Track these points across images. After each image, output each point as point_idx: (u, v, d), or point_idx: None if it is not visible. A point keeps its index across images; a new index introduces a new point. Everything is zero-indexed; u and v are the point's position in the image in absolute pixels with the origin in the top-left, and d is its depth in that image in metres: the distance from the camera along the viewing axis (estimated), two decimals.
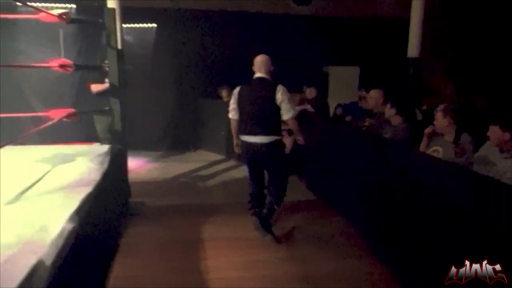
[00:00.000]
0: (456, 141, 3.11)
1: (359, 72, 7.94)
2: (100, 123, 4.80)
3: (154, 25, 6.91)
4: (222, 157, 6.85)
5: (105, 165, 3.17)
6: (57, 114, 3.39)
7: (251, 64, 3.59)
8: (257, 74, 3.51)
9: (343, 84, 7.84)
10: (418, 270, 2.65)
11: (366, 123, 4.82)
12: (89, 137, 4.62)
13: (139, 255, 3.20)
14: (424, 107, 5.23)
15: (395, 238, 3.00)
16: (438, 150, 3.46)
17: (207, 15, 7.14)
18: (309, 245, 3.47)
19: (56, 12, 3.21)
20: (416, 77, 4.49)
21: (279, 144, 3.53)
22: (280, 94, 3.37)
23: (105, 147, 3.59)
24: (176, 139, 7.20)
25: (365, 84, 6.54)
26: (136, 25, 6.83)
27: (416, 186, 2.78)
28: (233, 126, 3.67)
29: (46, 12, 3.21)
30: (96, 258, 2.69)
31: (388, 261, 3.04)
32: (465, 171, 2.70)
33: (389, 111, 4.11)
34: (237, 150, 3.74)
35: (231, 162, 6.36)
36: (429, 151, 3.49)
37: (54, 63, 3.25)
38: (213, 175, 5.75)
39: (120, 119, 3.87)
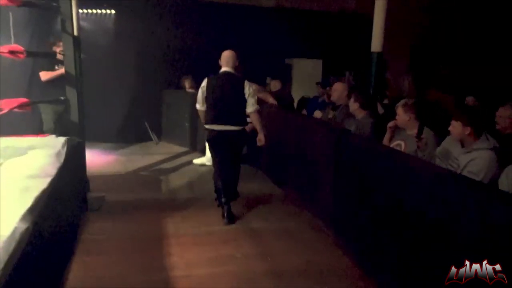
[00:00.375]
0: (419, 135, 3.17)
1: (322, 65, 8.05)
2: (47, 113, 4.53)
3: (113, 11, 6.59)
4: (186, 149, 6.71)
5: (61, 159, 2.99)
6: (7, 105, 3.15)
7: (214, 55, 3.83)
8: (224, 68, 3.77)
9: (305, 76, 7.92)
10: (386, 262, 2.70)
11: (330, 116, 4.87)
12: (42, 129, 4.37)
13: (100, 253, 3.05)
14: (386, 101, 5.35)
15: (362, 231, 3.04)
16: (400, 144, 3.53)
17: (171, 3, 6.92)
18: (278, 240, 3.45)
19: None
20: (379, 72, 4.56)
21: (245, 133, 3.90)
22: (247, 89, 3.70)
23: (61, 140, 3.38)
24: (138, 130, 6.96)
25: (325, 78, 6.67)
26: (95, 11, 6.51)
27: (379, 180, 2.83)
28: (201, 116, 3.88)
29: None
30: (53, 258, 2.53)
31: (357, 254, 3.07)
32: (426, 164, 2.77)
33: (353, 105, 4.15)
34: None
35: (195, 154, 6.24)
36: (392, 145, 3.57)
37: (3, 49, 3.00)
38: (175, 168, 5.62)
39: (78, 109, 3.65)
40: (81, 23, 6.44)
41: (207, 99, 3.72)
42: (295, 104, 6.63)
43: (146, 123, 6.92)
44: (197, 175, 5.30)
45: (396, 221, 2.59)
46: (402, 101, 3.90)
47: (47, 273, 2.39)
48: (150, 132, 7.00)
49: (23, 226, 1.85)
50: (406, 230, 2.51)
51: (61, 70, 4.05)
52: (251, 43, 6.61)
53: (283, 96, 6.03)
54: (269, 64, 7.07)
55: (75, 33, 3.79)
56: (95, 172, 4.71)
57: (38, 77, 4.42)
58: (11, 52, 3.00)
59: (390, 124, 3.65)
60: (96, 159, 5.70)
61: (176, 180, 5.05)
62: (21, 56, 3.06)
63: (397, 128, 3.64)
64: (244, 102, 3.68)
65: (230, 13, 7.15)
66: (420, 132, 3.19)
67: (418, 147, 3.17)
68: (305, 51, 7.71)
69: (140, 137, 6.96)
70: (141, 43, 6.82)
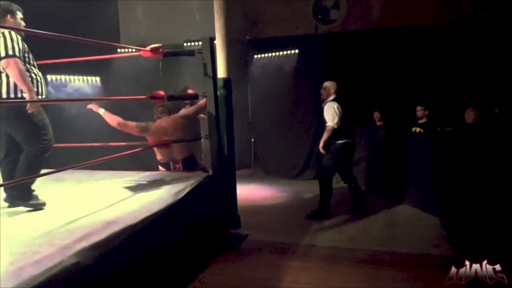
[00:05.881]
0: None
1: None
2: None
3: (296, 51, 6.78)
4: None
5: (180, 195, 3.10)
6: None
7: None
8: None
9: None
10: None
11: None
12: None
13: None
14: None
15: None
16: None
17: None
18: None
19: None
20: None
21: None
22: None
23: (195, 176, 3.56)
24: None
25: None
26: (279, 53, 6.88)
27: None
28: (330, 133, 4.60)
29: (142, 49, 3.44)
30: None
31: None
32: None
33: None
34: None
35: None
36: None
37: (148, 95, 3.43)
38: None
39: (217, 147, 3.78)
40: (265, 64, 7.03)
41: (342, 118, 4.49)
42: None
43: None
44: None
45: None
46: None
47: None
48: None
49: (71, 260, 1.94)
50: None
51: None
52: None
53: None
54: None
55: (222, 74, 4.03)
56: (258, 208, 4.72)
57: None
58: (152, 97, 3.40)
59: None
60: (266, 194, 5.82)
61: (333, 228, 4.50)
62: (161, 101, 3.44)
63: None
64: None
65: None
66: None
67: None
68: None
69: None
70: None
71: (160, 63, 4.61)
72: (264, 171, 7.55)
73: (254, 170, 7.67)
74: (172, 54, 3.77)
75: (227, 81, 4.10)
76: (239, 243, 3.92)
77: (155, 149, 4.05)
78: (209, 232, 3.60)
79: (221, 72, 4.07)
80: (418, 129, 5.56)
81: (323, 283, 3.07)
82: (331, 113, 4.48)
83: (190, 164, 4.22)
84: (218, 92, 3.92)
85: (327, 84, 4.72)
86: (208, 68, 3.70)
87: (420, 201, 4.86)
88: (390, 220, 4.60)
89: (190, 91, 4.43)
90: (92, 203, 2.84)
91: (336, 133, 4.54)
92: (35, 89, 2.65)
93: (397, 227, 4.38)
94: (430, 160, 4.64)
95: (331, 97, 4.62)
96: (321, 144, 4.59)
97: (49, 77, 6.94)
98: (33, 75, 2.68)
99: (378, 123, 6.08)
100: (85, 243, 2.12)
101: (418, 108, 5.63)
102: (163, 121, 4.22)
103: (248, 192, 6.14)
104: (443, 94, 6.01)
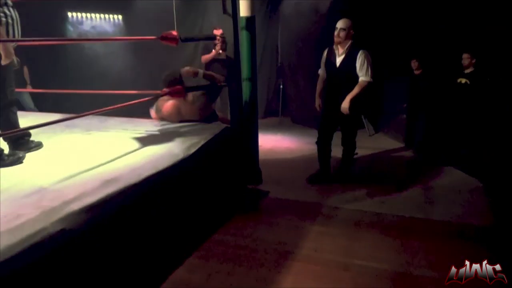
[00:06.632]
0: None
1: None
2: None
3: None
4: (400, 144, 5.58)
5: (192, 150, 2.80)
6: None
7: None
8: None
9: None
10: None
11: None
12: None
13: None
14: None
15: None
16: None
17: None
18: None
19: None
20: None
21: None
22: None
23: (212, 128, 3.24)
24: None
25: None
26: None
27: None
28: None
29: None
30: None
31: None
32: None
33: None
34: None
35: (409, 154, 5.08)
36: None
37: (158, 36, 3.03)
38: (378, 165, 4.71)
39: (237, 95, 3.40)
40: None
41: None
42: None
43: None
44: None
45: None
46: None
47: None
48: (365, 121, 6.17)
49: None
50: None
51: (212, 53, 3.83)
52: None
53: None
54: None
55: (245, 13, 3.55)
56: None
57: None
58: (163, 38, 3.00)
59: None
60: (297, 146, 5.48)
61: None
62: (174, 43, 3.02)
63: None
64: None
65: None
66: None
67: None
68: None
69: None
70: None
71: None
72: (292, 120, 7.16)
73: (282, 119, 7.29)
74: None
75: (250, 20, 3.62)
76: (259, 201, 3.66)
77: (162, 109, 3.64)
78: (225, 190, 3.35)
79: (243, 10, 3.59)
80: (464, 80, 4.92)
81: (345, 253, 2.79)
82: (367, 65, 3.69)
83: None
84: (241, 32, 3.49)
85: (346, 23, 3.76)
86: (227, 4, 3.22)
87: (466, 164, 4.38)
88: (429, 183, 4.17)
89: (216, 32, 3.99)
90: (94, 156, 2.60)
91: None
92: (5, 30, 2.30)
93: (435, 191, 3.97)
94: (477, 115, 4.10)
95: (349, 42, 3.76)
96: (347, 102, 3.71)
97: (69, 14, 6.63)
98: (1, 14, 2.32)
99: (416, 72, 5.40)
100: (75, 206, 1.88)
101: (464, 56, 4.93)
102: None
103: (274, 143, 5.82)
104: (492, 40, 5.21)
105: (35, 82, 5.71)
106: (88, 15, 6.66)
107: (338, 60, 3.81)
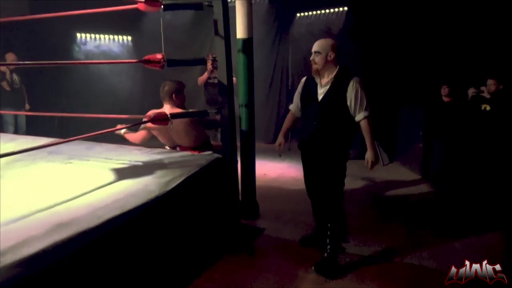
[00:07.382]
0: None
1: None
2: None
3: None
4: (416, 176, 5.15)
5: (170, 186, 2.50)
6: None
7: None
8: None
9: None
10: None
11: None
12: None
13: None
14: None
15: None
16: None
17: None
18: None
19: None
20: None
21: None
22: None
23: (200, 159, 2.94)
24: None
25: None
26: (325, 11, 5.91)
27: None
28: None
29: (138, 1, 2.76)
30: None
31: None
32: None
33: None
34: None
35: (426, 187, 4.65)
36: None
37: (140, 59, 2.80)
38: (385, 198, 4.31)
39: (229, 122, 3.10)
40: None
41: None
42: None
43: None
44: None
45: None
46: None
47: None
48: (379, 149, 5.76)
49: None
50: None
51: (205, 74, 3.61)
52: None
53: None
54: None
55: (243, 35, 3.31)
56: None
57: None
58: (146, 62, 2.75)
59: None
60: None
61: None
62: (158, 66, 2.77)
63: None
64: None
65: None
66: None
67: None
68: None
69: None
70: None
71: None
72: None
73: (292, 143, 6.94)
74: (174, 7, 3.06)
75: (247, 42, 3.37)
76: (252, 240, 3.31)
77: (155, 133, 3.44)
78: (212, 228, 3.01)
79: (240, 32, 3.35)
80: (486, 106, 4.56)
81: None
82: (364, 97, 2.79)
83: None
84: (237, 55, 3.24)
85: (322, 44, 2.94)
86: (219, 25, 2.96)
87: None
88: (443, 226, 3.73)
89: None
90: (60, 191, 2.33)
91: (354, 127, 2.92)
92: None
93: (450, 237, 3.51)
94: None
95: (335, 69, 2.89)
96: (372, 153, 2.87)
97: (78, 35, 6.61)
98: None
99: (445, 99, 4.96)
100: (22, 252, 1.61)
101: (490, 81, 4.57)
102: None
103: (280, 171, 5.48)
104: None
105: (48, 102, 5.74)
106: (97, 35, 6.63)
107: (320, 92, 2.90)
